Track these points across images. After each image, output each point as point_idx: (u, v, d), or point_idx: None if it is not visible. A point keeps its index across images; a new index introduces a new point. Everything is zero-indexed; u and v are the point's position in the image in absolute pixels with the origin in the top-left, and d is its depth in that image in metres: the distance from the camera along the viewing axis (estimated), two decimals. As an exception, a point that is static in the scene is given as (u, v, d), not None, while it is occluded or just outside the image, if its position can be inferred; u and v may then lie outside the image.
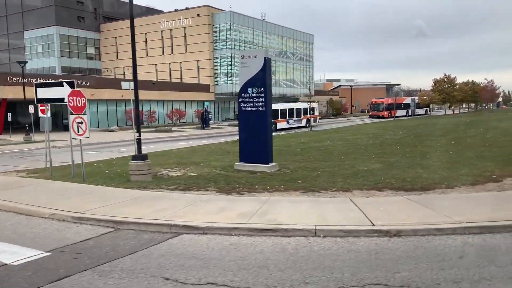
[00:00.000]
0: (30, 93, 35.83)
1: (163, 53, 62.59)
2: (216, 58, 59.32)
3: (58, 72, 63.01)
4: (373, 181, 10.54)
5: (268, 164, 12.62)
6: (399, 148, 17.79)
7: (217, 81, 59.38)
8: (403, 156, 14.91)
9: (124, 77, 65.80)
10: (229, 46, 58.21)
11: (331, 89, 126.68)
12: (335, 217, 7.41)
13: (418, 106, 73.23)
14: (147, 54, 63.96)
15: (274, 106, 46.80)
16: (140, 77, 63.04)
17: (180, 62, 61.22)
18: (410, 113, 71.88)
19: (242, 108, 12.79)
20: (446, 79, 67.33)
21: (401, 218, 7.23)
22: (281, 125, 44.80)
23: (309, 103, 47.12)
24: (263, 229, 6.84)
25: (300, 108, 48.88)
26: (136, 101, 11.89)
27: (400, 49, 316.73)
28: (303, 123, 48.80)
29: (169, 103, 52.77)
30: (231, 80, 58.73)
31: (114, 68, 67.79)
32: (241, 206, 8.34)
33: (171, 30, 61.72)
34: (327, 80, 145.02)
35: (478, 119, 47.34)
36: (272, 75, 63.24)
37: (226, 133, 40.29)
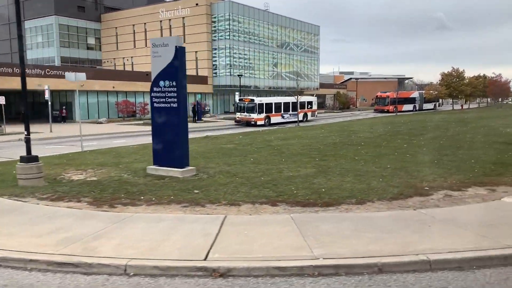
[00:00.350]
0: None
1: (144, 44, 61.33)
2: (215, 49, 57.84)
3: (57, 62, 62.54)
4: (279, 192, 9.05)
5: (182, 168, 11.20)
6: (358, 149, 16.15)
7: (215, 73, 57.94)
8: (350, 160, 13.32)
9: (124, 68, 65.03)
10: (228, 37, 56.64)
11: (341, 82, 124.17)
12: (173, 245, 5.97)
13: (426, 100, 70.54)
14: (146, 45, 62.86)
15: (268, 99, 45.37)
16: (139, 68, 62.45)
17: (178, 53, 59.91)
18: (416, 108, 69.30)
19: (155, 104, 11.33)
20: (455, 73, 64.44)
21: (250, 250, 5.75)
22: (275, 119, 43.26)
23: (296, 97, 44.98)
24: (63, 263, 5.46)
25: (296, 102, 47.14)
26: (24, 91, 10.33)
27: (418, 42, 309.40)
28: (300, 117, 47.12)
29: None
30: (230, 72, 57.23)
31: (114, 58, 66.97)
32: (85, 225, 6.97)
33: (169, 20, 60.46)
34: (341, 72, 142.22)
35: (478, 116, 44.86)
36: (274, 67, 61.44)
37: (216, 127, 39.06)
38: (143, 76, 50.51)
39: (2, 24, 70.85)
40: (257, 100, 41.60)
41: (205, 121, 45.00)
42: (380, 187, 9.31)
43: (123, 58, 65.61)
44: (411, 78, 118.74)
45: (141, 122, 41.68)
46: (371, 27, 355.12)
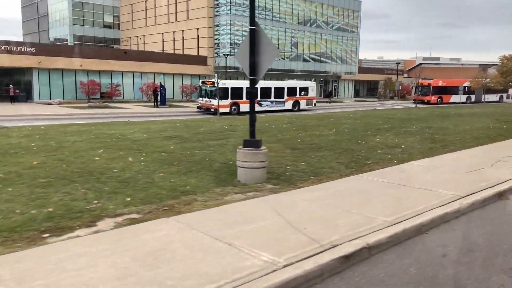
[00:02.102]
0: None
1: (168, 20, 56.46)
2: (217, 25, 51.38)
3: (70, 41, 60.80)
4: None
5: None
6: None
7: (217, 53, 51.57)
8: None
9: (138, 47, 61.40)
10: (231, 11, 49.78)
11: (409, 69, 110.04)
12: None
13: (488, 90, 57.26)
14: (155, 22, 58.48)
15: (237, 83, 38.24)
16: (150, 47, 58.27)
17: (183, 31, 54.56)
18: (472, 99, 56.46)
19: None
20: None
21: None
22: (246, 107, 35.99)
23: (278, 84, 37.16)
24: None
25: (283, 88, 39.32)
26: None
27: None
28: (288, 105, 39.32)
29: (151, 76, 46.58)
30: (232, 52, 50.49)
31: (130, 37, 63.65)
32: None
33: (176, -6, 55.21)
34: (424, 58, 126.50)
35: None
36: (293, 47, 53.21)
37: (166, 113, 33.10)
38: (120, 54, 46.16)
39: (31, 4, 71.24)
40: (220, 82, 34.71)
41: (170, 106, 39.17)
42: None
43: (137, 37, 61.99)
44: (496, 64, 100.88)
45: (94, 104, 37.06)
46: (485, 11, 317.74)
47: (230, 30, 49.82)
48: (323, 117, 25.85)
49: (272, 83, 39.16)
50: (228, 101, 35.00)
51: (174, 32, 55.61)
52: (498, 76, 51.85)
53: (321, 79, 64.63)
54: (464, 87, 51.20)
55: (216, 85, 34.13)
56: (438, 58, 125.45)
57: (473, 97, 57.05)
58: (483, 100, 58.71)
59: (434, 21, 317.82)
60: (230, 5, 49.20)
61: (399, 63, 57.81)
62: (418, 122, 20.38)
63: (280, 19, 54.48)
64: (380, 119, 22.56)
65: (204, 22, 51.19)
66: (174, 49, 55.58)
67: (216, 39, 51.68)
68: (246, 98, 36.20)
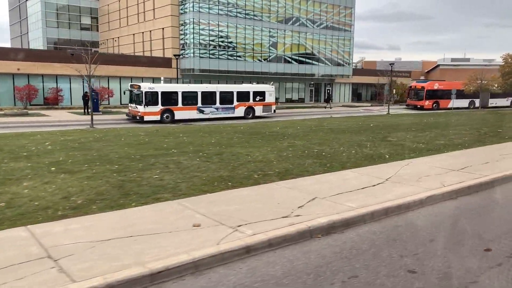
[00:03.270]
0: None
1: (138, 20, 52.70)
2: (183, 25, 47.04)
3: (43, 44, 58.11)
4: None
5: None
6: None
7: (183, 55, 47.21)
8: None
9: (113, 50, 58.07)
10: (198, 9, 45.37)
11: (427, 71, 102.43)
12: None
13: (495, 94, 50.26)
14: (127, 23, 54.92)
15: (170, 86, 33.85)
16: (125, 50, 54.68)
17: (150, 31, 50.61)
18: (476, 104, 49.63)
19: None
20: None
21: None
22: (184, 114, 31.60)
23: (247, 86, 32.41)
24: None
25: (232, 92, 34.49)
26: None
27: None
28: (239, 112, 34.50)
29: (104, 80, 42.71)
30: (206, 53, 46.04)
31: (107, 40, 60.41)
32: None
33: (143, -8, 51.36)
34: (452, 59, 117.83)
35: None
36: (272, 48, 48.25)
37: (97, 121, 28.87)
38: (67, 57, 42.44)
39: (15, 7, 69.45)
40: (146, 86, 30.37)
41: (106, 113, 35.09)
42: None
43: (113, 39, 58.66)
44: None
45: (16, 112, 33.41)
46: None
47: (194, 29, 45.39)
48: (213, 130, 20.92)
49: (217, 87, 34.44)
50: (158, 107, 30.50)
51: (143, 32, 51.80)
52: (498, 77, 44.89)
53: (310, 82, 59.25)
54: (457, 90, 44.57)
55: (141, 89, 29.91)
56: (468, 59, 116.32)
57: (477, 101, 50.24)
58: (490, 105, 51.82)
59: (478, 21, 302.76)
60: (193, 2, 44.78)
61: (393, 63, 51.58)
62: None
63: (255, 17, 49.62)
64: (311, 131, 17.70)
65: (167, 21, 47.03)
66: (143, 51, 51.74)
67: (182, 39, 47.36)
68: (183, 104, 31.76)
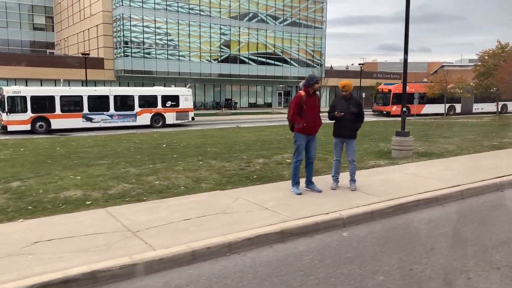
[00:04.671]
0: None
1: (80, 18, 48.14)
2: (117, 20, 42.09)
3: (-9, 45, 54.35)
4: None
5: None
6: None
7: (120, 54, 42.22)
8: None
9: (64, 51, 53.79)
10: (123, 3, 40.31)
11: (432, 73, 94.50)
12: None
13: (482, 99, 43.20)
14: (73, 21, 50.46)
15: (44, 90, 28.71)
16: (73, 51, 50.33)
17: (88, 29, 45.90)
18: (457, 110, 42.72)
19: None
20: (500, 50, 36.10)
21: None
22: (64, 123, 26.49)
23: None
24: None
25: (132, 96, 29.18)
26: None
27: None
28: (143, 120, 29.16)
29: (22, 83, 38.22)
30: (128, 52, 41.03)
31: (61, 40, 56.22)
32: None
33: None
34: (470, 60, 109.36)
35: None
36: (224, 47, 42.85)
37: None
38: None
39: None
40: (10, 90, 25.45)
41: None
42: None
43: (64, 39, 54.42)
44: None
45: None
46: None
47: (124, 26, 40.40)
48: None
49: (111, 90, 29.14)
50: (28, 115, 25.47)
51: (84, 31, 47.20)
52: (473, 77, 37.70)
53: (279, 85, 53.44)
54: (420, 94, 37.85)
55: (5, 93, 25.00)
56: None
57: (458, 107, 43.33)
58: (474, 111, 44.78)
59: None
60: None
61: (362, 64, 45.07)
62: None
63: (202, 13, 44.29)
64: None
65: (99, 18, 42.22)
66: (84, 51, 47.09)
67: (115, 38, 42.43)
68: (63, 110, 26.66)
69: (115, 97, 28.40)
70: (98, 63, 41.47)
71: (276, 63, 50.15)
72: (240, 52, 47.54)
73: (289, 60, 51.10)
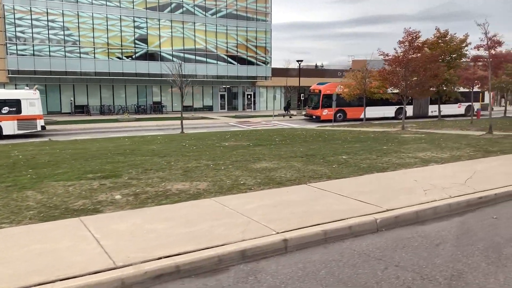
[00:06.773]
0: None
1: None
2: (9, 14, 36.92)
3: None
4: None
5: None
6: None
7: (14, 51, 37.01)
8: None
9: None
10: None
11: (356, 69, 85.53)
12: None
13: (447, 99, 35.59)
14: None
15: None
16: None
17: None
18: (408, 113, 35.30)
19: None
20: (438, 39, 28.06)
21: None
22: None
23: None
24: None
25: None
26: None
27: None
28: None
29: None
30: (12, 49, 35.75)
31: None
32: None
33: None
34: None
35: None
36: (140, 42, 36.61)
37: None
38: None
39: None
40: None
41: None
42: None
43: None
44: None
45: None
46: None
47: (6, 19, 35.12)
48: None
49: None
50: None
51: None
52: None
53: (222, 86, 47.26)
54: (337, 95, 30.82)
55: None
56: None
57: (409, 109, 35.97)
58: (430, 113, 37.40)
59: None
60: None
61: (300, 60, 38.05)
62: None
63: (109, 3, 38.62)
64: None
65: (-14, 10, 37.18)
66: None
67: (8, 32, 37.20)
68: None
69: None
70: (-14, 62, 36.42)
71: (209, 60, 43.94)
72: (161, 48, 41.59)
73: (225, 57, 44.77)
